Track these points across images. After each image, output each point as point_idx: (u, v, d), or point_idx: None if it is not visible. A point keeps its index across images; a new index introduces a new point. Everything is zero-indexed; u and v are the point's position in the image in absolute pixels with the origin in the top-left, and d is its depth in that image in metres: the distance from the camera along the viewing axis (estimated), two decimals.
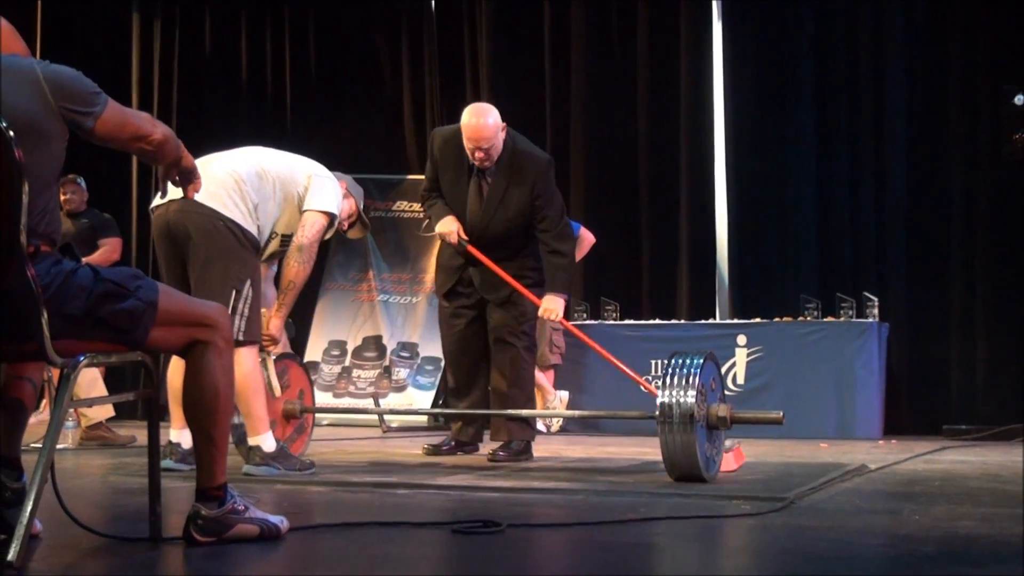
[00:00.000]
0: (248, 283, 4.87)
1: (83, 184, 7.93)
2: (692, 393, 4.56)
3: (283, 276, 5.07)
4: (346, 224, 5.54)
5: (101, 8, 11.32)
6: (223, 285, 4.80)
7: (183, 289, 4.54)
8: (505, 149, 5.74)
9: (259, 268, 5.04)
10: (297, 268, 5.02)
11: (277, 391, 5.24)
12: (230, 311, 4.79)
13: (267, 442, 4.95)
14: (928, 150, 8.99)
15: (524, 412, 5.82)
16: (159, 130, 3.16)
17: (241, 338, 4.79)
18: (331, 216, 5.09)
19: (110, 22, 11.32)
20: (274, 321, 5.14)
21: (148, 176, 10.91)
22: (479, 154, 5.69)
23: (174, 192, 4.88)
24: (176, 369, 4.97)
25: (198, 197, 4.81)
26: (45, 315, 2.80)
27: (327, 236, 5.20)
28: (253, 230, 4.95)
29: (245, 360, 4.83)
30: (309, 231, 5.02)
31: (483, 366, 5.98)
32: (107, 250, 7.60)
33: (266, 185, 5.01)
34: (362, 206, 5.66)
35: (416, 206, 9.94)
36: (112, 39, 11.29)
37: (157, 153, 3.18)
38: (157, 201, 4.92)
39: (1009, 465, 5.85)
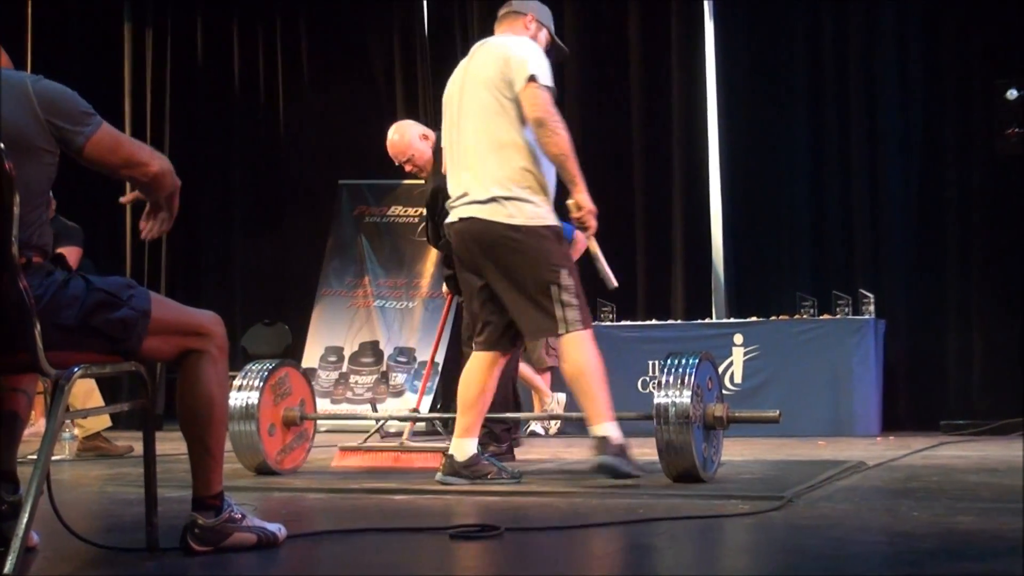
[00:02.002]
0: (563, 271, 4.66)
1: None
2: (688, 393, 4.56)
3: (551, 156, 4.63)
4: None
5: (93, 18, 11.32)
6: (538, 289, 4.64)
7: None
8: (434, 156, 6.01)
9: (569, 251, 4.80)
10: (552, 140, 4.58)
11: (612, 281, 4.89)
12: (555, 305, 4.62)
13: (614, 431, 4.60)
14: (922, 146, 8.99)
15: (528, 415, 5.83)
16: (157, 162, 3.09)
17: (579, 327, 4.62)
18: (536, 78, 4.63)
19: (102, 32, 11.32)
20: (580, 196, 4.70)
21: None
22: (405, 166, 6.18)
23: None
24: (466, 369, 4.89)
25: (486, 213, 4.64)
26: (38, 326, 2.79)
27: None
28: (540, 209, 4.70)
29: (584, 345, 4.63)
30: (532, 107, 4.60)
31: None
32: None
33: (514, 149, 4.68)
34: (552, 27, 5.20)
35: (411, 210, 9.95)
36: (104, 49, 11.29)
37: (152, 184, 3.11)
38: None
39: (1007, 460, 5.85)
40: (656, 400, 4.60)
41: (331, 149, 10.78)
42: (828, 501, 4.12)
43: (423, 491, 4.57)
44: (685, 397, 4.55)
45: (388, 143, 6.15)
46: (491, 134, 4.69)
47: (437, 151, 5.95)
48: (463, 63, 4.94)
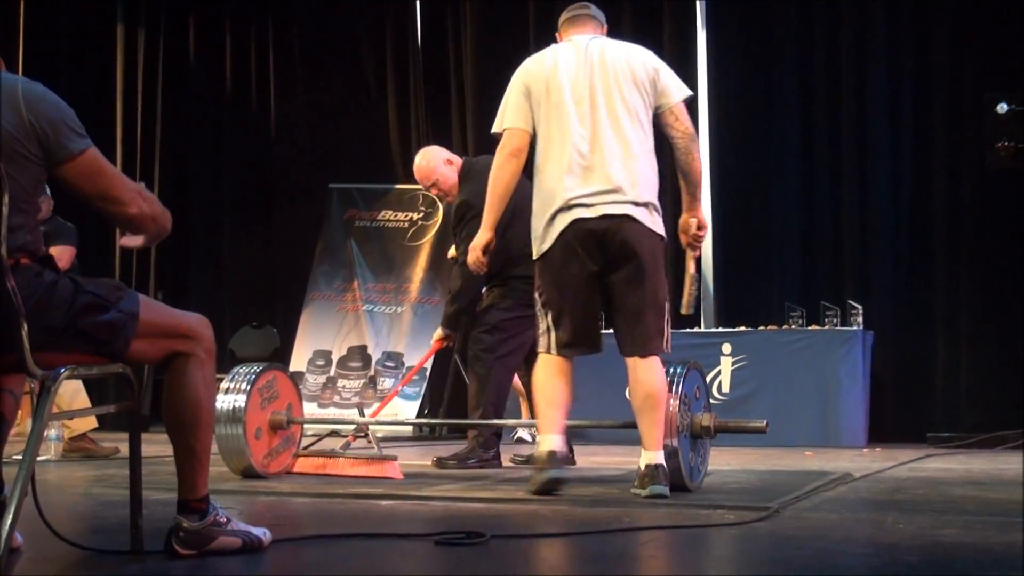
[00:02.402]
0: (667, 295, 4.74)
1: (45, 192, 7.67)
2: (675, 402, 4.57)
3: (693, 173, 4.75)
4: None
5: (85, 18, 11.29)
6: (660, 303, 4.67)
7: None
8: (460, 179, 6.19)
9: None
10: (697, 157, 4.75)
11: (689, 306, 4.93)
12: (664, 322, 4.63)
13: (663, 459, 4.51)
14: (911, 158, 9.01)
15: (512, 422, 5.86)
16: (138, 206, 3.03)
17: (668, 350, 4.66)
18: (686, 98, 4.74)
19: (94, 32, 11.29)
20: (701, 214, 4.90)
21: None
22: (431, 190, 6.36)
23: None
24: (542, 371, 4.68)
25: (641, 216, 4.55)
26: (25, 327, 2.78)
27: None
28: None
29: (660, 369, 4.59)
30: (688, 123, 4.71)
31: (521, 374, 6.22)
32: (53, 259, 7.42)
33: (654, 159, 4.69)
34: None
35: (401, 215, 9.95)
36: (96, 49, 11.25)
37: (129, 225, 3.07)
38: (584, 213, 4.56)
39: (993, 473, 5.86)
40: None
41: (322, 153, 10.78)
42: (814, 512, 4.12)
43: (409, 497, 4.57)
44: (672, 406, 4.55)
45: (415, 168, 6.31)
46: (640, 138, 4.63)
47: (463, 174, 6.14)
48: (579, 52, 4.70)
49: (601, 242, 4.56)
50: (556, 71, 4.68)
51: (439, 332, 6.27)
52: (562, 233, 4.57)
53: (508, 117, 4.75)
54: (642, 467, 4.46)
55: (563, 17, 4.95)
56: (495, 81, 10.20)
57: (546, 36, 9.74)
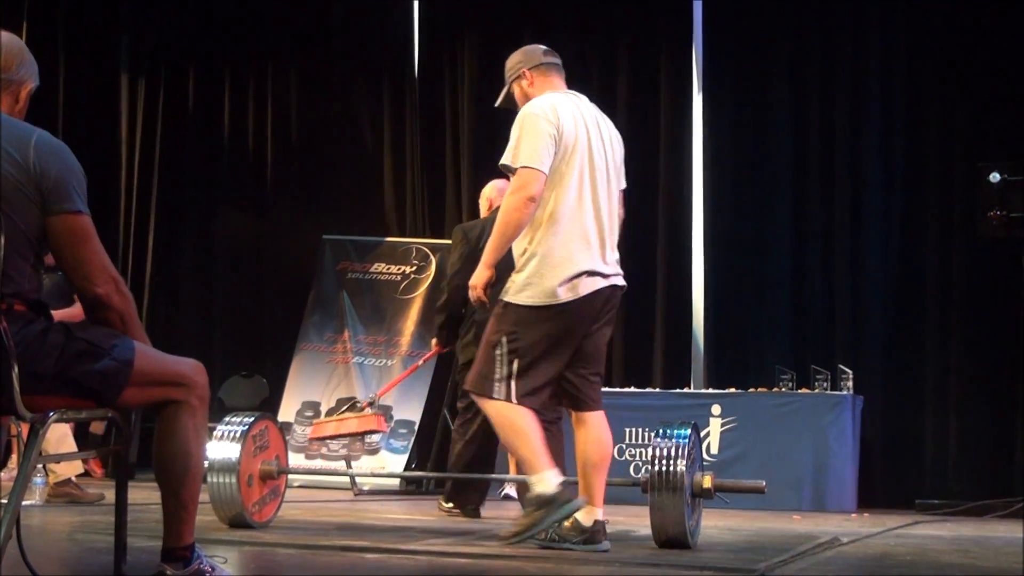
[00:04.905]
0: None
1: None
2: (684, 462, 4.59)
3: None
4: None
5: (86, 70, 11.25)
6: None
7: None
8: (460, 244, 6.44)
9: None
10: None
11: None
12: None
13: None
14: (904, 225, 9.06)
15: (503, 476, 5.78)
16: (107, 290, 3.01)
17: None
18: None
19: (98, 83, 11.26)
20: None
21: (143, 225, 10.90)
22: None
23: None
24: (512, 415, 4.50)
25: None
26: (16, 368, 2.77)
27: None
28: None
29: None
30: (623, 209, 5.06)
31: None
32: (79, 305, 7.45)
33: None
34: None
35: (394, 268, 9.96)
36: (99, 100, 11.22)
37: (90, 306, 3.03)
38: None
39: (981, 540, 5.85)
40: (654, 468, 4.63)
41: (316, 204, 10.80)
42: None
43: (395, 551, 4.54)
44: (681, 465, 4.58)
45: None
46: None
47: (470, 240, 6.22)
48: (588, 113, 4.78)
49: (602, 309, 4.70)
50: (587, 127, 4.70)
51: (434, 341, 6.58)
52: (585, 297, 4.58)
53: (530, 155, 4.51)
54: (590, 523, 4.53)
55: (545, 60, 4.88)
56: (491, 137, 10.27)
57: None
